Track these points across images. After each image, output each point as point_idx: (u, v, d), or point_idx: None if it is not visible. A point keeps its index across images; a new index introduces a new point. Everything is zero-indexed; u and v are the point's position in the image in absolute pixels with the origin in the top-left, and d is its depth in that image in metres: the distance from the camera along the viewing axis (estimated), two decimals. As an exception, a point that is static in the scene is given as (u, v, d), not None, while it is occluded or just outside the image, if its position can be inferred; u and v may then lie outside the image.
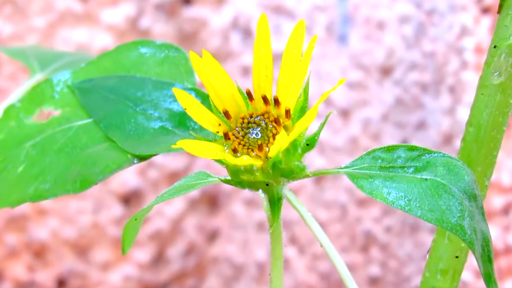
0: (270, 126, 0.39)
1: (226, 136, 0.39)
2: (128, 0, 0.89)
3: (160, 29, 0.89)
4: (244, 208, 0.89)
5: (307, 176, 0.40)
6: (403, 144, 0.40)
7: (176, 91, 0.39)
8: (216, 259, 0.89)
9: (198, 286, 0.89)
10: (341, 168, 0.41)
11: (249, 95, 0.40)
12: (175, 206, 0.88)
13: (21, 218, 0.86)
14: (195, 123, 0.44)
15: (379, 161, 0.40)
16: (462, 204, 0.38)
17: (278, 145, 0.37)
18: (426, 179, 0.39)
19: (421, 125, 0.91)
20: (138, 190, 0.88)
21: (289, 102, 0.39)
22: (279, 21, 0.89)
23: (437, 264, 0.46)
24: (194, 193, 0.88)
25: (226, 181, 0.40)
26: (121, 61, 0.48)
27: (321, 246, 0.45)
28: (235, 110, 0.40)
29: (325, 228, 0.89)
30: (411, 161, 0.40)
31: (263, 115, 0.40)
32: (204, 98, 0.44)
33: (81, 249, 0.87)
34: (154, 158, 0.45)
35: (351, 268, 0.90)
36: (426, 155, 0.40)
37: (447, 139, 0.91)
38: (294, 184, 0.42)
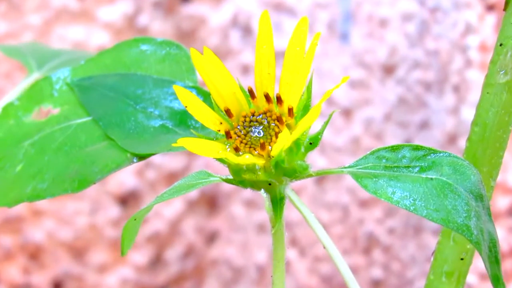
0: (272, 124, 0.40)
1: (227, 134, 0.40)
2: (126, -3, 0.89)
3: (158, 27, 0.89)
4: (244, 209, 0.89)
5: (310, 175, 0.40)
6: (408, 143, 0.40)
7: (177, 88, 0.39)
8: (215, 261, 0.89)
9: (197, 289, 0.89)
10: (345, 168, 0.41)
11: (251, 93, 0.40)
12: (174, 207, 0.88)
13: (16, 219, 0.86)
14: (196, 121, 0.45)
15: (384, 160, 0.40)
16: (468, 204, 0.38)
17: (281, 144, 0.37)
18: (431, 178, 0.39)
19: (424, 125, 0.91)
20: (135, 190, 0.88)
21: (292, 100, 0.39)
22: (280, 19, 0.89)
23: (442, 266, 0.46)
24: (193, 194, 0.88)
25: (227, 181, 0.40)
26: (121, 59, 0.48)
27: (324, 248, 0.45)
28: (236, 108, 0.40)
29: (327, 229, 0.89)
30: (416, 160, 0.40)
31: (265, 113, 0.40)
32: (206, 96, 0.44)
33: (78, 251, 0.87)
34: (152, 158, 0.45)
35: (353, 270, 0.90)
36: (432, 154, 0.40)
37: (451, 139, 0.92)
38: (294, 184, 0.42)
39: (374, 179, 0.39)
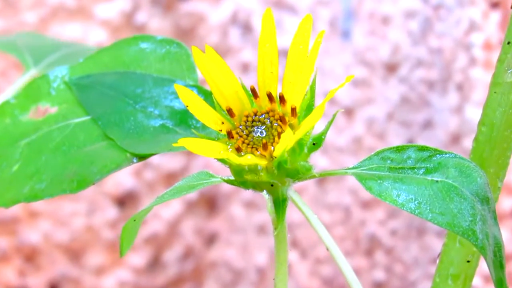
0: (275, 124, 0.39)
1: (229, 134, 0.39)
2: (124, -7, 0.89)
3: (157, 25, 0.89)
4: (243, 210, 0.89)
5: (314, 176, 0.40)
6: (413, 144, 0.40)
7: (178, 87, 0.39)
8: (215, 263, 0.89)
9: (196, 292, 0.89)
10: (349, 169, 0.41)
11: (254, 93, 0.40)
12: (172, 208, 0.88)
13: (12, 220, 0.86)
14: (197, 121, 0.44)
15: (388, 161, 0.40)
16: (474, 208, 0.38)
17: (284, 144, 0.37)
18: (437, 181, 0.39)
19: (427, 124, 0.91)
20: (133, 191, 0.88)
21: (295, 99, 0.39)
22: (281, 16, 0.89)
23: (448, 269, 0.46)
24: (192, 194, 0.88)
25: (229, 182, 0.40)
26: (121, 57, 0.48)
27: (327, 250, 0.45)
28: (239, 108, 0.40)
29: (328, 231, 0.89)
30: (421, 162, 0.40)
31: (268, 113, 0.40)
32: (207, 95, 0.44)
33: (74, 253, 0.87)
34: (150, 158, 0.45)
35: (355, 273, 0.90)
36: (437, 156, 0.40)
37: (455, 138, 0.91)
38: (295, 185, 0.42)
39: (379, 181, 0.39)
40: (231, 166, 0.39)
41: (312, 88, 0.40)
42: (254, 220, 0.90)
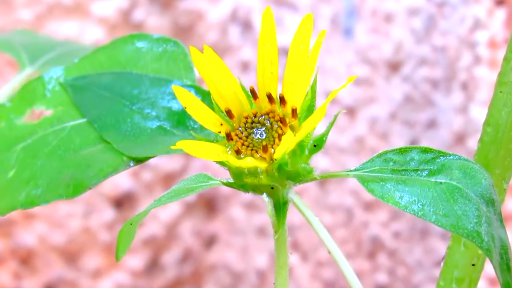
0: (275, 126, 0.39)
1: (228, 136, 0.39)
2: (121, -9, 0.89)
3: (154, 22, 0.89)
4: (243, 212, 0.89)
5: (315, 179, 0.40)
6: (416, 146, 0.40)
7: (176, 88, 0.39)
8: (214, 266, 0.89)
9: (195, 295, 0.89)
10: (351, 171, 0.41)
11: (253, 93, 0.40)
12: (170, 210, 0.88)
13: (7, 222, 0.86)
14: (195, 122, 0.44)
15: (391, 163, 0.40)
16: (479, 210, 0.38)
17: (284, 146, 0.37)
18: (441, 182, 0.39)
19: (431, 124, 0.91)
20: (131, 193, 0.88)
21: (295, 100, 0.39)
22: (281, 14, 0.89)
23: (452, 272, 0.46)
24: (191, 196, 0.88)
25: (228, 184, 0.40)
26: (117, 57, 0.48)
27: (329, 253, 0.45)
28: (238, 109, 0.40)
29: (329, 233, 0.89)
30: (425, 163, 0.40)
31: (268, 114, 0.40)
32: (204, 96, 0.44)
33: (71, 256, 0.87)
34: (148, 159, 0.45)
35: (357, 275, 0.90)
36: (441, 157, 0.40)
37: (459, 139, 0.91)
38: (296, 186, 0.42)
39: (381, 183, 0.39)
40: (230, 168, 0.39)
41: (313, 89, 0.40)
42: (254, 221, 0.89)
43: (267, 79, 0.40)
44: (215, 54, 0.40)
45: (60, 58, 0.58)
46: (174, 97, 0.45)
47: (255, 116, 0.40)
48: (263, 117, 0.40)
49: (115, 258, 0.43)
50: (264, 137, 0.39)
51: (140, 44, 0.48)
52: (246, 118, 0.40)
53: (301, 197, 0.82)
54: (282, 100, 0.39)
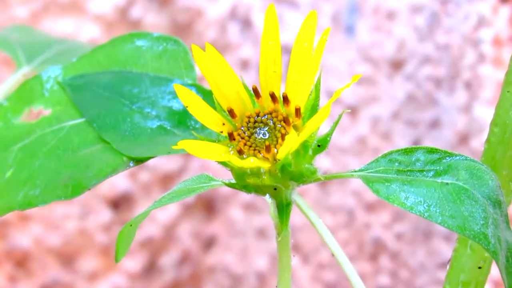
0: (278, 125, 0.39)
1: (231, 136, 0.39)
2: (118, -13, 0.89)
3: (152, 20, 0.89)
4: (243, 213, 0.89)
5: (319, 179, 0.40)
6: (421, 146, 0.40)
7: (177, 87, 0.39)
8: (213, 268, 0.89)
9: (194, 298, 0.89)
10: (355, 171, 0.41)
11: (256, 92, 0.40)
12: (168, 211, 0.88)
13: (2, 224, 0.86)
14: (196, 122, 0.44)
15: (396, 164, 0.40)
16: (485, 211, 0.38)
17: (288, 146, 0.37)
18: (447, 183, 0.39)
19: (434, 124, 0.91)
20: (128, 194, 0.88)
21: (299, 99, 0.39)
22: (282, 11, 0.89)
23: (458, 275, 0.46)
24: (189, 196, 0.88)
25: (230, 185, 0.40)
26: (116, 55, 0.48)
27: (332, 255, 0.45)
28: (240, 108, 0.40)
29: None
30: (430, 164, 0.40)
31: (271, 113, 0.40)
32: (206, 95, 0.44)
33: (67, 258, 0.87)
34: (146, 159, 0.45)
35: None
36: (447, 158, 0.40)
37: (463, 138, 0.91)
38: (300, 187, 0.42)
39: (386, 184, 0.39)
40: (232, 169, 0.39)
41: (317, 88, 0.40)
42: (253, 223, 0.89)
43: (270, 77, 0.40)
44: (217, 52, 0.40)
45: (58, 57, 0.58)
46: (174, 96, 0.45)
47: (257, 116, 0.40)
48: (266, 117, 0.40)
49: (115, 260, 0.43)
50: (267, 137, 0.39)
51: (140, 43, 0.48)
52: (249, 117, 0.40)
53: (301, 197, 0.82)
54: (285, 99, 0.39)
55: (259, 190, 0.40)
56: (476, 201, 0.38)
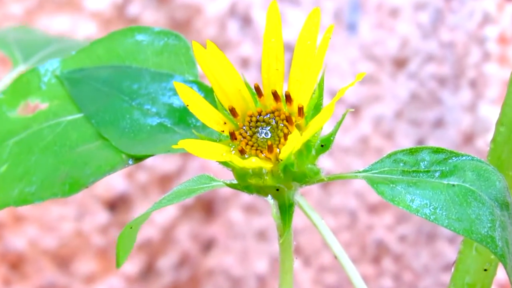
0: (281, 125, 0.39)
1: (232, 135, 0.39)
2: (115, -16, 0.89)
3: (150, 17, 0.89)
4: (242, 215, 0.89)
5: (322, 180, 0.40)
6: (427, 146, 0.40)
7: (178, 85, 0.39)
8: (212, 271, 0.89)
9: (192, 301, 0.89)
10: (359, 172, 0.41)
11: (258, 91, 0.40)
12: (167, 212, 0.88)
13: (-4, 225, 0.86)
14: (197, 119, 0.44)
15: (401, 164, 0.40)
16: (493, 213, 0.38)
17: (290, 146, 0.37)
18: (453, 185, 0.39)
19: (438, 123, 0.91)
20: (125, 194, 0.88)
21: (302, 98, 0.39)
22: (283, 9, 0.89)
23: (463, 277, 0.46)
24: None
25: (232, 186, 0.40)
26: (116, 49, 0.47)
27: (335, 257, 0.45)
28: (242, 107, 0.40)
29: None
30: (436, 165, 0.40)
31: (273, 112, 0.40)
32: (207, 92, 0.44)
33: (63, 260, 0.87)
34: (144, 159, 0.45)
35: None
36: (453, 158, 0.40)
37: (468, 138, 0.91)
38: (302, 188, 0.42)
39: (391, 185, 0.39)
40: (234, 169, 0.39)
41: (321, 86, 0.40)
42: (253, 225, 0.89)
43: (273, 76, 0.40)
44: (219, 50, 0.40)
45: (55, 55, 0.58)
46: (175, 93, 0.45)
47: (260, 115, 0.40)
48: (268, 116, 0.40)
49: (116, 265, 0.43)
50: (269, 136, 0.39)
51: (140, 37, 0.48)
52: (251, 116, 0.40)
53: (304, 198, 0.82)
54: (288, 98, 0.39)
55: (261, 191, 0.39)
56: (483, 203, 0.38)
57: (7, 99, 0.46)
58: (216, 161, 0.39)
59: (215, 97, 0.40)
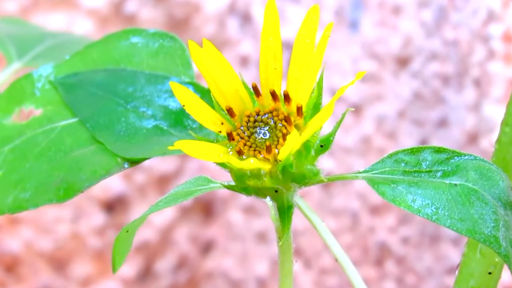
0: (279, 125, 0.39)
1: (230, 136, 0.39)
2: (112, -19, 0.89)
3: (148, 14, 0.89)
4: (242, 216, 0.89)
5: (322, 181, 0.40)
6: (429, 146, 0.40)
7: (174, 85, 0.39)
8: (211, 273, 0.89)
9: (191, 305, 0.89)
10: (360, 173, 0.41)
11: (256, 90, 0.40)
12: (165, 214, 0.88)
13: (-9, 228, 0.86)
14: (193, 121, 0.44)
15: (402, 164, 0.40)
16: (496, 213, 0.38)
17: (289, 147, 0.37)
18: (455, 184, 0.39)
19: (442, 123, 0.91)
20: (122, 196, 0.88)
21: (301, 98, 0.39)
22: (282, 6, 0.89)
23: (467, 281, 0.46)
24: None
25: (230, 187, 0.40)
26: (110, 53, 0.48)
27: (336, 260, 0.45)
28: (239, 107, 0.40)
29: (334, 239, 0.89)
30: (438, 164, 0.40)
31: (271, 112, 0.40)
32: (204, 93, 0.44)
33: (59, 263, 0.87)
34: (141, 160, 0.45)
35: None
36: (456, 158, 0.40)
37: (472, 138, 0.91)
38: (301, 189, 0.42)
39: (392, 185, 0.39)
40: (231, 170, 0.39)
41: (320, 85, 0.40)
42: (253, 226, 0.90)
43: (271, 75, 0.40)
44: (215, 49, 0.40)
45: (51, 51, 0.58)
46: (171, 95, 0.45)
47: (257, 115, 0.40)
48: (266, 116, 0.40)
49: (112, 270, 0.43)
50: (267, 136, 0.39)
51: (135, 40, 0.48)
52: (248, 116, 0.40)
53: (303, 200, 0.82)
54: (286, 97, 0.39)
55: (259, 192, 0.39)
56: (486, 202, 0.38)
57: (1, 106, 0.46)
58: (214, 162, 0.39)
59: (212, 97, 0.40)
